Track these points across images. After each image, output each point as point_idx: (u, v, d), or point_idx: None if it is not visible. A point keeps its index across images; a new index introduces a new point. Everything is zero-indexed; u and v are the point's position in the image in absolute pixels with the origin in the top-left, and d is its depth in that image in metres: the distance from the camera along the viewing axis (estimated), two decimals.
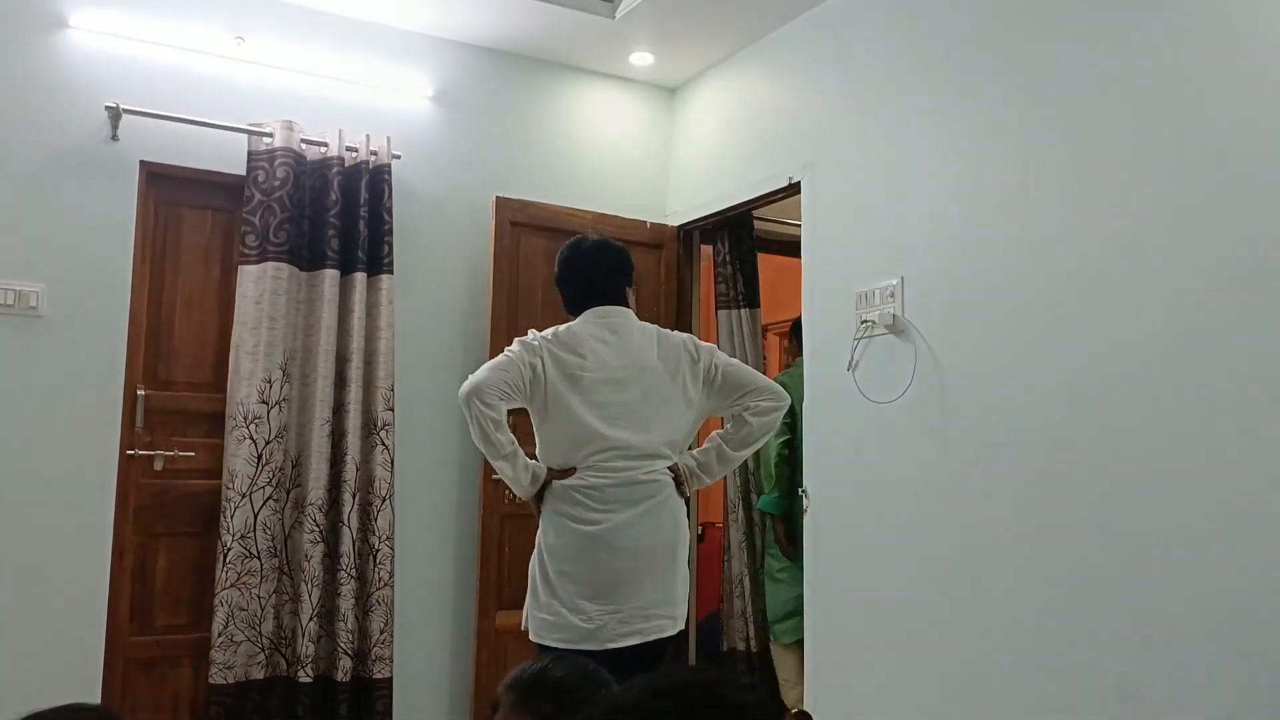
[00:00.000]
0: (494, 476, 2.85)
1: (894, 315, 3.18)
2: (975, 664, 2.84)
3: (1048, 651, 2.66)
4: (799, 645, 3.74)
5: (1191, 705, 2.32)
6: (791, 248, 4.17)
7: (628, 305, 2.72)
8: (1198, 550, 2.34)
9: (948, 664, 2.92)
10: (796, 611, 3.80)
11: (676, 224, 4.40)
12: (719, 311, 4.46)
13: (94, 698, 3.21)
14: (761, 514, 4.24)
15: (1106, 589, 2.53)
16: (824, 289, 3.52)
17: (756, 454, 4.03)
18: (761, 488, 4.21)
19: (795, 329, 4.30)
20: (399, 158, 3.89)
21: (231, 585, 3.48)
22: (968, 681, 2.86)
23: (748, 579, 4.29)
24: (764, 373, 3.50)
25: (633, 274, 2.77)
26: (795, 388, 4.16)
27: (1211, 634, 2.30)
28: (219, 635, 3.45)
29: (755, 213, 4.30)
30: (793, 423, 3.94)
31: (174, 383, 3.64)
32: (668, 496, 2.55)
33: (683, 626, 2.56)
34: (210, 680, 3.44)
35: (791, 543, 4.03)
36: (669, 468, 2.58)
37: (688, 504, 2.67)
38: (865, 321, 3.27)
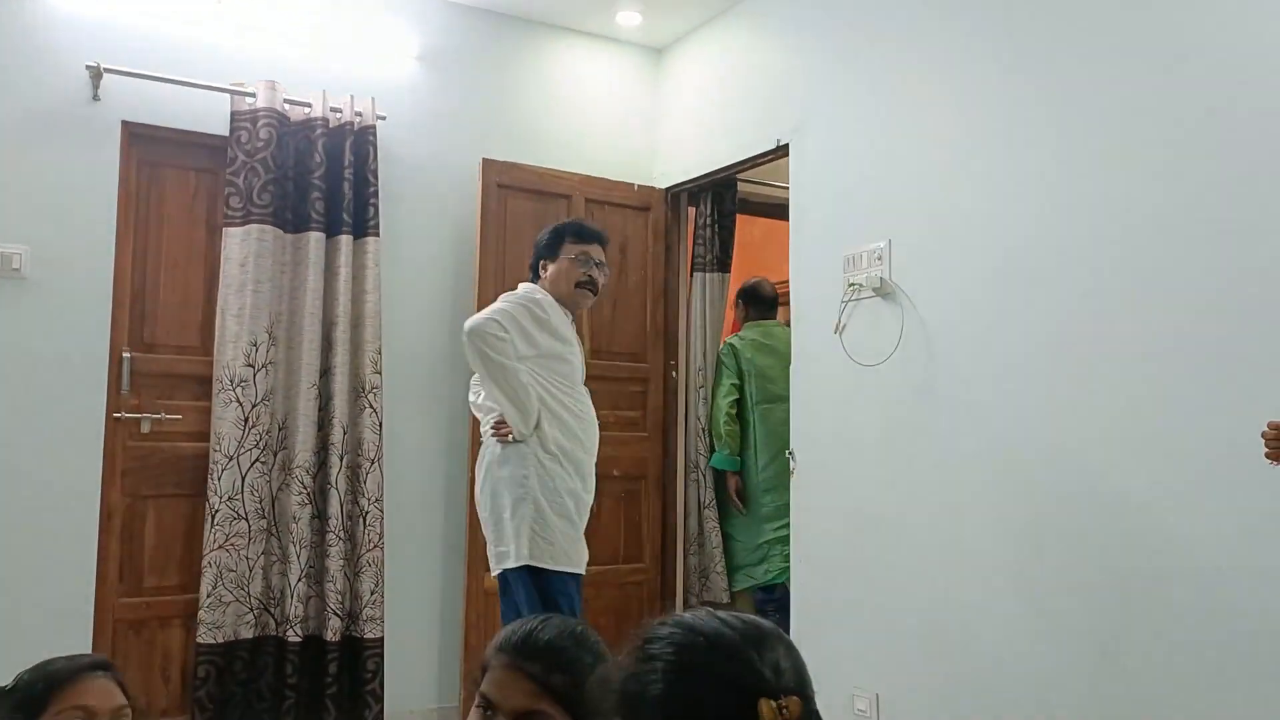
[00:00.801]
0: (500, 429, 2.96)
1: (881, 278, 3.18)
2: (962, 623, 2.88)
3: (1033, 609, 2.70)
4: (749, 592, 4.27)
5: (1168, 661, 2.36)
6: (779, 210, 4.16)
7: (531, 277, 3.08)
8: (1183, 508, 2.37)
9: (934, 624, 2.96)
10: (750, 562, 4.23)
11: (664, 186, 4.38)
12: (694, 274, 4.46)
13: None
14: (715, 471, 4.30)
15: (1092, 546, 2.56)
16: (811, 252, 3.52)
17: (711, 416, 4.31)
18: (713, 447, 4.33)
19: (743, 294, 4.53)
20: (384, 119, 3.86)
21: (219, 547, 3.49)
22: (955, 640, 2.90)
23: (714, 535, 4.31)
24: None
25: (537, 250, 3.10)
26: (744, 351, 4.24)
27: (1191, 588, 2.34)
28: (207, 596, 3.47)
29: (743, 175, 4.29)
30: (741, 385, 4.24)
31: (159, 345, 3.62)
32: (484, 449, 2.96)
33: (510, 564, 2.82)
34: (199, 640, 3.46)
35: (741, 497, 4.28)
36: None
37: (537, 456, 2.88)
38: (853, 284, 3.28)
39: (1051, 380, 2.68)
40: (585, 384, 3.11)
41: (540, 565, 2.82)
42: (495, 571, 2.92)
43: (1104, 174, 2.59)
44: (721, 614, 1.02)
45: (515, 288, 3.14)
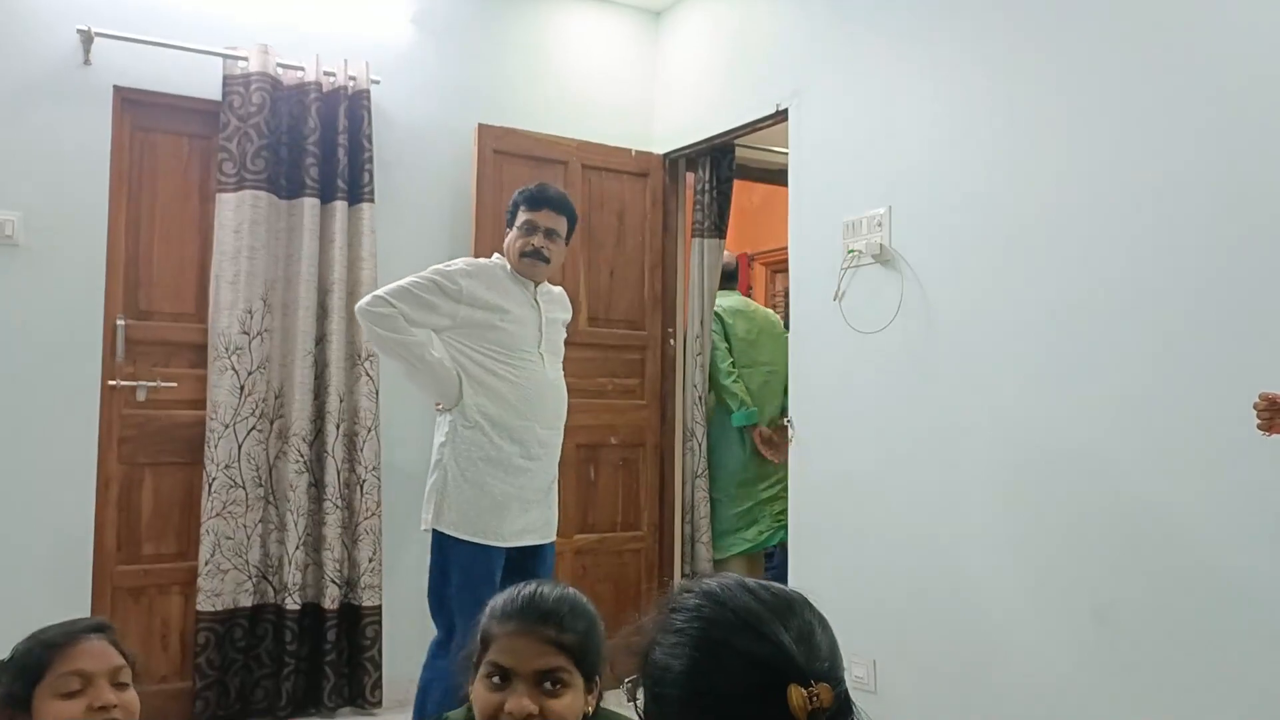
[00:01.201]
0: None
1: (881, 245, 3.16)
2: (959, 588, 2.89)
3: (1030, 573, 2.70)
4: (739, 558, 4.31)
5: (1163, 624, 2.37)
6: (779, 176, 4.13)
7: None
8: (1179, 473, 2.37)
9: (932, 589, 2.97)
10: (737, 528, 4.31)
11: (662, 152, 4.34)
12: (693, 239, 4.43)
13: None
14: (710, 439, 4.32)
15: (1088, 511, 2.56)
16: (811, 218, 3.49)
17: (715, 386, 4.34)
18: (709, 415, 4.35)
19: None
20: (378, 83, 3.81)
21: (217, 515, 3.50)
22: (952, 606, 2.91)
23: (704, 504, 4.31)
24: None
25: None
26: (726, 316, 4.41)
27: (1186, 552, 2.34)
28: (206, 563, 3.47)
29: (742, 141, 4.24)
30: (729, 347, 4.38)
31: (154, 313, 3.60)
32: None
33: (429, 527, 2.87)
34: (198, 607, 3.47)
35: (770, 445, 4.29)
36: None
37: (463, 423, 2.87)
38: (852, 251, 3.25)
39: (1051, 348, 2.67)
40: (573, 356, 3.07)
41: (447, 531, 2.82)
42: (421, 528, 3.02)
43: (1109, 141, 2.56)
44: (750, 583, 1.00)
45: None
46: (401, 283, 2.88)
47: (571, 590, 1.49)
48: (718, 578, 1.02)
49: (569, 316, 3.20)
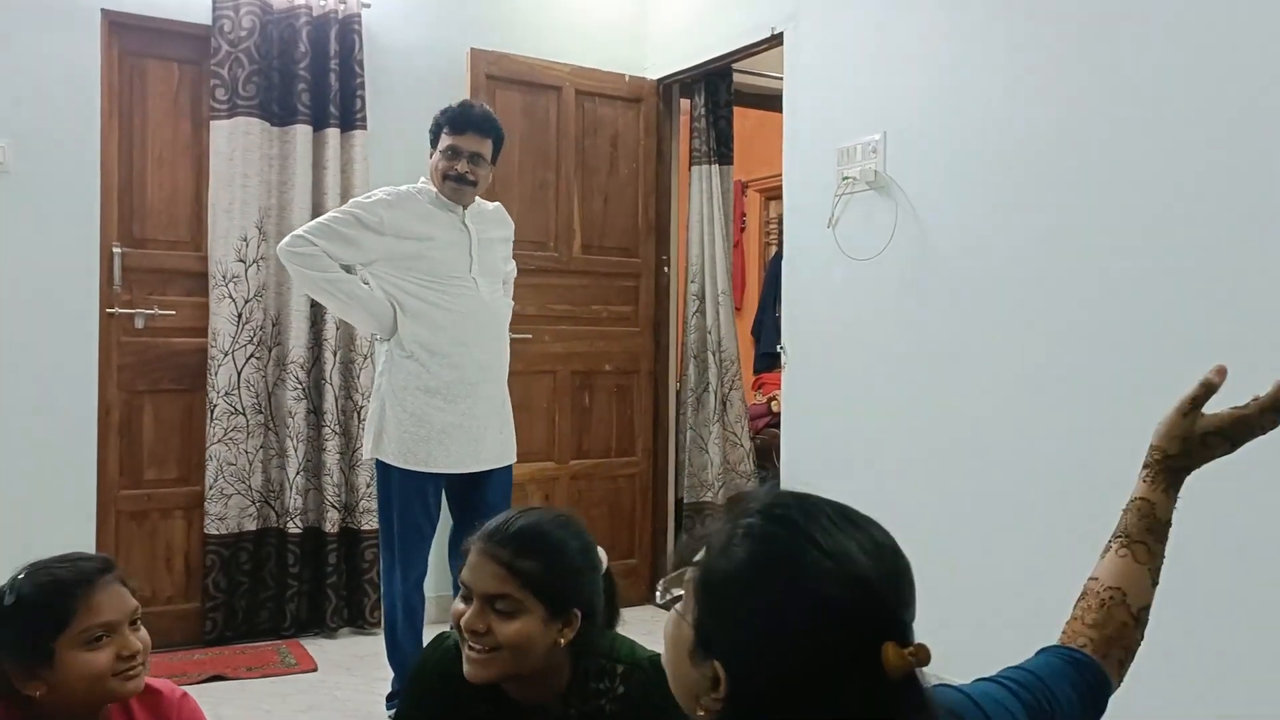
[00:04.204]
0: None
1: (876, 171, 3.17)
2: (953, 517, 2.96)
3: (1027, 501, 2.77)
4: None
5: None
6: (772, 102, 4.11)
7: None
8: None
9: (926, 520, 3.04)
10: None
11: (655, 78, 4.31)
12: (691, 168, 4.42)
13: (89, 549, 3.29)
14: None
15: (1083, 438, 2.62)
16: (805, 144, 3.49)
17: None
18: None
19: None
20: (368, 7, 3.76)
21: (219, 441, 3.54)
22: (946, 536, 2.98)
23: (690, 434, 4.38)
24: (734, 233, 3.55)
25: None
26: None
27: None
28: (210, 488, 3.53)
29: (736, 65, 4.21)
30: None
31: (149, 241, 3.60)
32: None
33: (370, 457, 2.89)
34: (205, 531, 3.54)
35: None
36: None
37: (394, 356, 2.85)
38: (846, 178, 3.26)
39: (1046, 274, 2.70)
40: (567, 284, 3.03)
41: (386, 460, 2.82)
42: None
43: (1105, 67, 2.56)
44: (854, 517, 0.88)
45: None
46: (321, 219, 2.84)
47: (553, 519, 1.48)
48: (794, 495, 0.89)
49: (509, 232, 3.10)
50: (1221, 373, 1.14)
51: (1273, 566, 2.24)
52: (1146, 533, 1.16)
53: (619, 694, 1.41)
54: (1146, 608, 1.12)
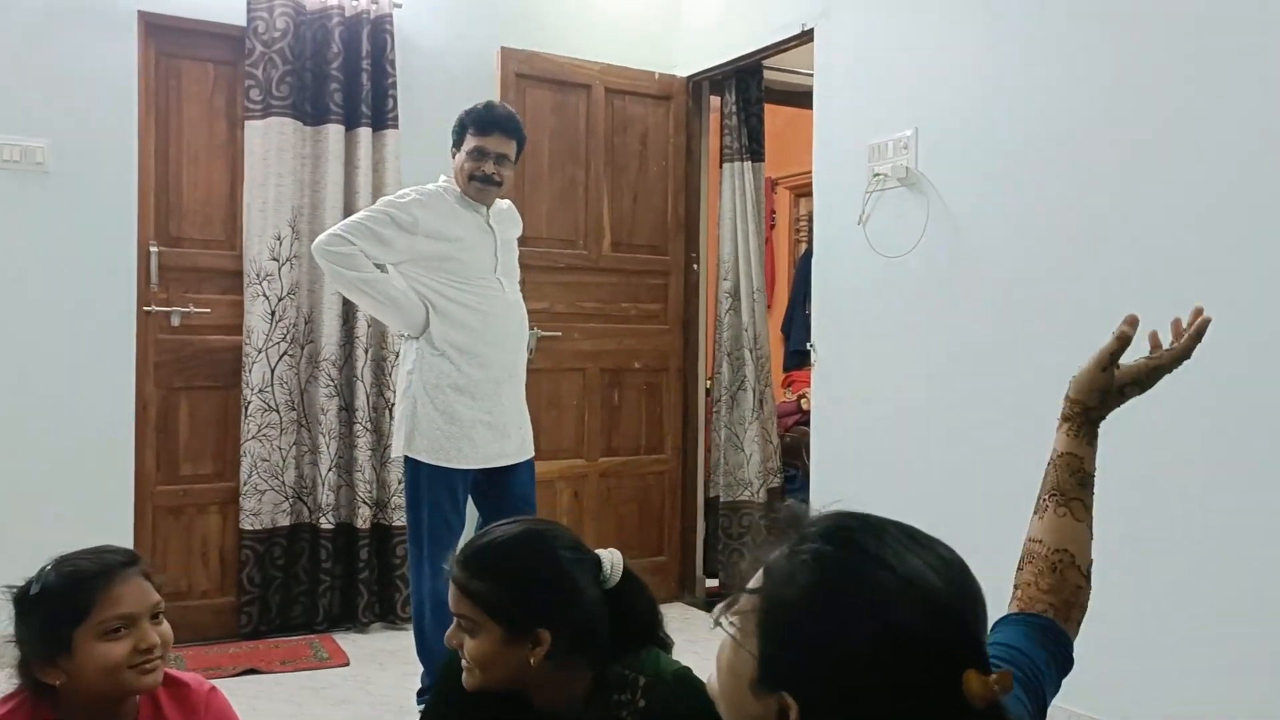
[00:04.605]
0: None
1: (907, 168, 3.15)
2: (985, 517, 2.94)
3: None
4: None
5: (1187, 548, 2.41)
6: (803, 99, 4.09)
7: None
8: (1217, 398, 2.39)
9: (957, 519, 3.02)
10: None
11: (685, 75, 4.30)
12: (723, 165, 4.41)
13: (126, 543, 3.34)
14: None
15: (1121, 436, 2.58)
16: (835, 141, 3.47)
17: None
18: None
19: None
20: (400, 6, 3.79)
21: (253, 437, 3.59)
22: (977, 535, 2.95)
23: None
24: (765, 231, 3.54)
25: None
26: None
27: (1211, 477, 2.37)
28: (245, 484, 3.58)
29: (766, 62, 4.20)
30: None
31: (185, 239, 3.65)
32: None
33: (400, 454, 2.91)
34: (241, 526, 3.59)
35: None
36: None
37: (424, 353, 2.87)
38: (877, 174, 3.24)
39: (1079, 271, 2.67)
40: (596, 282, 3.06)
41: (417, 457, 2.85)
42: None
43: (1142, 62, 2.53)
44: (919, 536, 0.86)
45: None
46: (355, 218, 2.86)
47: (522, 537, 1.45)
48: (856, 516, 0.86)
49: (520, 230, 3.13)
50: (1133, 323, 1.22)
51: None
52: (1079, 487, 1.18)
53: (640, 707, 1.38)
54: (1091, 564, 1.15)
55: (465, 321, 2.86)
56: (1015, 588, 1.12)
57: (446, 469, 2.84)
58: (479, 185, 2.87)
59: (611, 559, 1.45)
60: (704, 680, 1.17)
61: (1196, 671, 2.37)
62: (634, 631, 1.44)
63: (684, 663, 1.44)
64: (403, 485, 3.70)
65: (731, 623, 0.85)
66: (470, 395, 2.86)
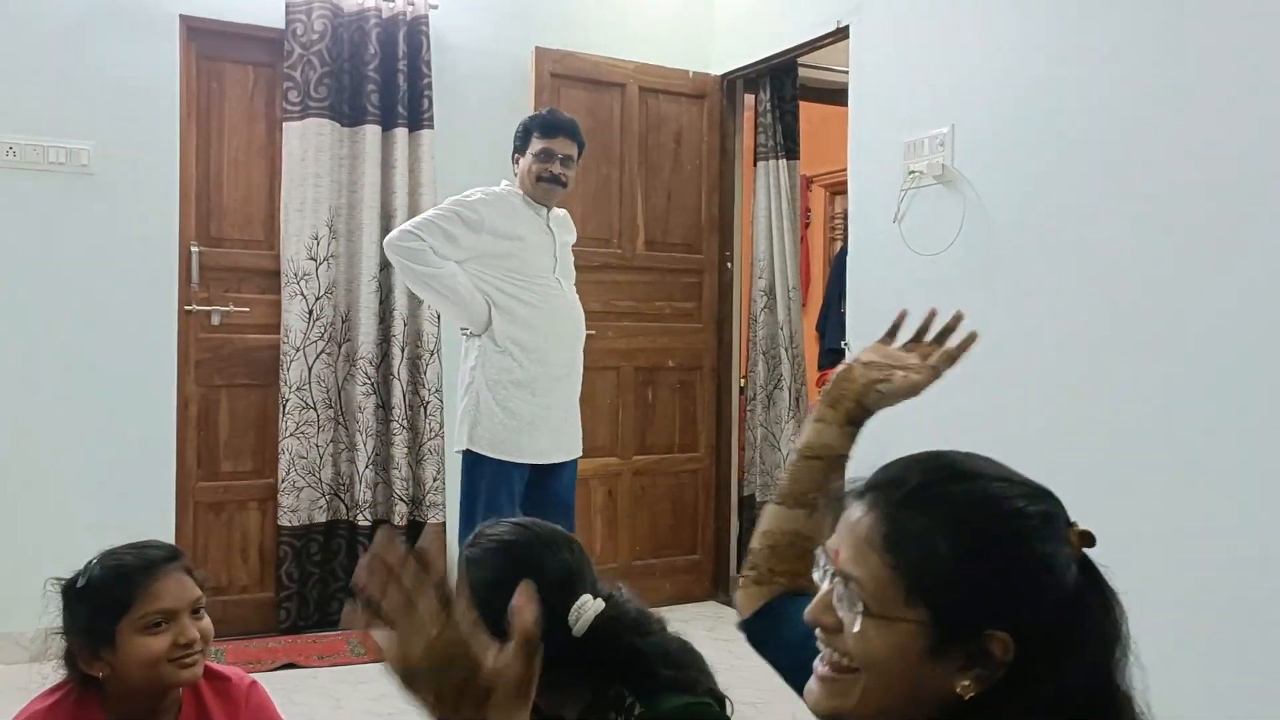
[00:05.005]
0: None
1: (943, 165, 3.12)
2: None
3: (1096, 500, 2.71)
4: None
5: (1222, 548, 2.37)
6: (837, 96, 4.07)
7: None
8: (1255, 394, 2.35)
9: None
10: None
11: (719, 73, 4.30)
12: (757, 163, 4.40)
13: (168, 539, 3.39)
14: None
15: (1159, 436, 2.56)
16: (871, 139, 3.45)
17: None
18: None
19: None
20: (436, 8, 3.82)
21: (291, 435, 3.64)
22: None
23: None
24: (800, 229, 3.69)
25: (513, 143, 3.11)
26: None
27: (1258, 479, 2.33)
28: (283, 481, 3.63)
29: (800, 60, 4.18)
30: None
31: (225, 240, 3.71)
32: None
33: (463, 448, 2.98)
34: (279, 522, 3.64)
35: None
36: None
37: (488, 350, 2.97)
38: (913, 172, 3.22)
39: (1119, 270, 2.63)
40: (630, 280, 3.11)
41: (478, 450, 2.94)
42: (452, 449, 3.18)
43: (1183, 57, 2.49)
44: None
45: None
46: (425, 215, 2.97)
47: (505, 540, 1.40)
48: (929, 458, 1.00)
49: (574, 238, 3.25)
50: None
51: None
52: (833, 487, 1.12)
53: None
54: None
55: (526, 319, 2.97)
56: (778, 574, 1.16)
57: (506, 463, 2.94)
58: (546, 186, 3.02)
59: (581, 610, 1.33)
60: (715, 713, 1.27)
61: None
62: (619, 672, 1.34)
63: (719, 665, 1.42)
64: (439, 482, 3.76)
65: (859, 611, 0.85)
66: (530, 391, 2.96)
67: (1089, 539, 0.89)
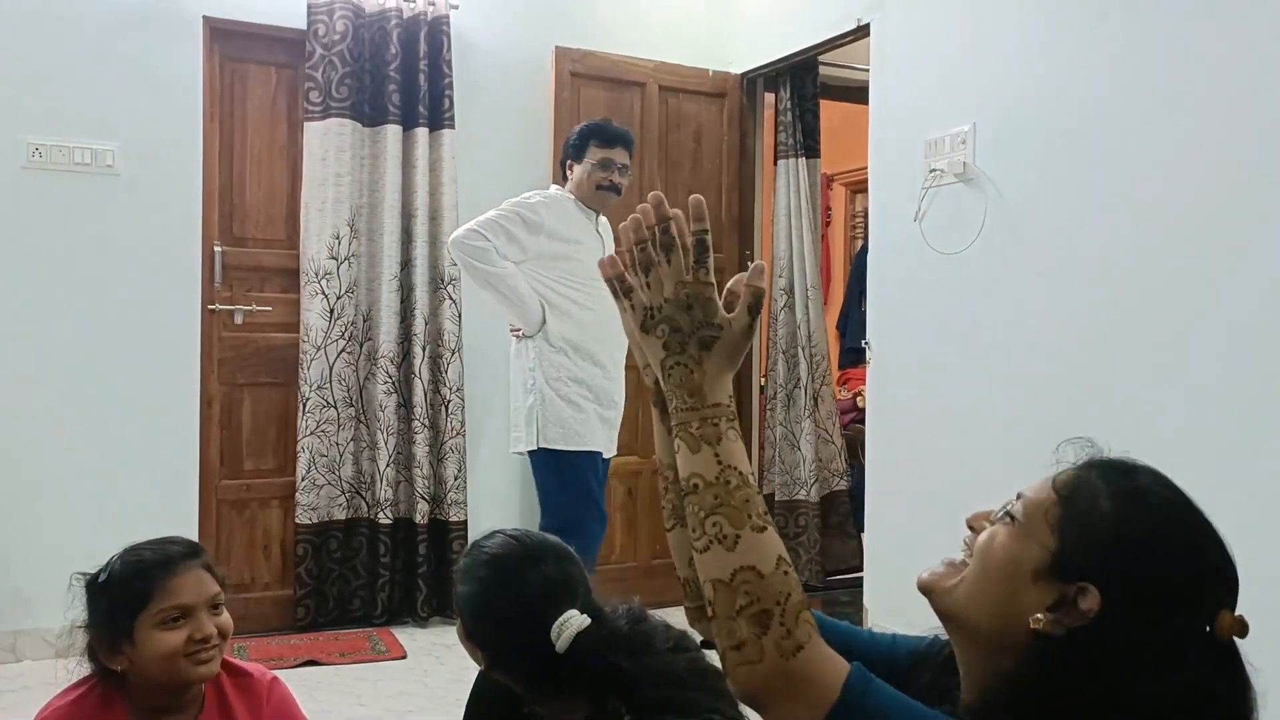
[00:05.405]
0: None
1: (964, 163, 3.11)
2: None
3: None
4: None
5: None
6: (857, 94, 4.06)
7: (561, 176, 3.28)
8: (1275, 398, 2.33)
9: None
10: None
11: (739, 71, 4.29)
12: (777, 161, 4.39)
13: (191, 536, 3.42)
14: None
15: (1183, 436, 2.53)
16: (891, 137, 3.44)
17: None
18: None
19: None
20: (456, 8, 3.83)
21: (311, 433, 3.65)
22: None
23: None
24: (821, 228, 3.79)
25: (565, 149, 3.25)
26: None
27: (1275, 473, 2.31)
28: (303, 479, 3.65)
29: (821, 58, 4.17)
30: None
31: (248, 239, 3.73)
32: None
33: (523, 449, 3.11)
34: (297, 520, 3.66)
35: None
36: None
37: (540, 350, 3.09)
38: (934, 170, 3.20)
39: (1141, 270, 2.61)
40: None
41: (552, 447, 3.06)
42: (511, 450, 3.27)
43: (1207, 55, 2.47)
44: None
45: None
46: (489, 216, 3.05)
47: (493, 554, 1.43)
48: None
49: (614, 246, 3.33)
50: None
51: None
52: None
53: None
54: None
55: (579, 319, 3.09)
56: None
57: (582, 452, 3.07)
58: (605, 193, 3.17)
59: (563, 626, 1.31)
60: None
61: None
62: (606, 692, 1.32)
63: (719, 678, 1.40)
64: (460, 480, 3.77)
65: (1005, 521, 0.95)
66: (587, 388, 3.10)
67: (1240, 627, 0.87)
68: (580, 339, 3.10)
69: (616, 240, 3.30)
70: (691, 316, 0.94)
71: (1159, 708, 0.85)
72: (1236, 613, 0.88)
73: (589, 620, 1.33)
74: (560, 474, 3.07)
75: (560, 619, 1.32)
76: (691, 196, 0.96)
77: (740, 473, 0.91)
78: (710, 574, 0.89)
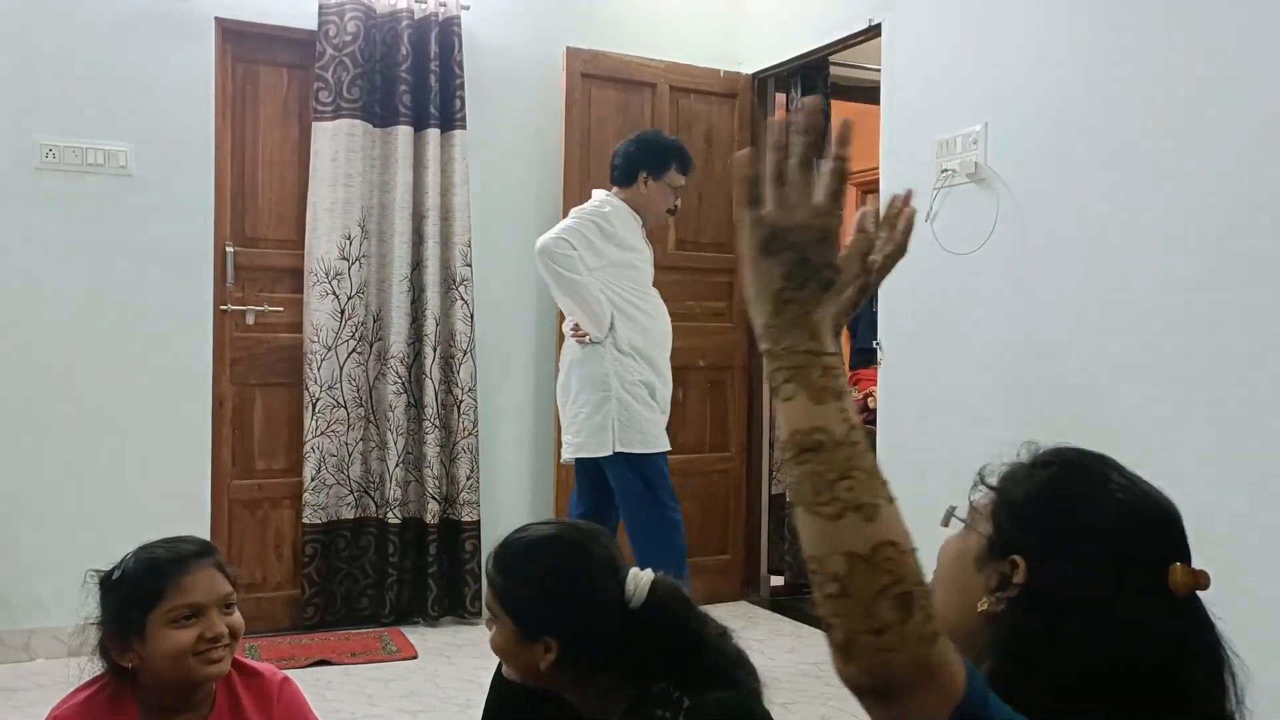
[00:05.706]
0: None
1: (976, 163, 3.10)
2: None
3: None
4: None
5: (1249, 540, 2.33)
6: (868, 94, 4.05)
7: (616, 177, 3.30)
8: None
9: None
10: None
11: (750, 72, 4.29)
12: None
13: (204, 536, 3.44)
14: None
15: (1198, 436, 2.52)
16: (903, 137, 3.43)
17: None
18: None
19: None
20: (468, 9, 3.84)
21: (321, 433, 3.66)
22: None
23: None
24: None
25: (639, 157, 3.26)
26: None
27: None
28: (311, 479, 3.66)
29: (832, 58, 4.16)
30: None
31: (260, 240, 3.75)
32: (566, 345, 3.27)
33: (580, 455, 3.17)
34: (304, 520, 3.67)
35: None
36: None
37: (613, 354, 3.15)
38: (945, 170, 3.19)
39: (1154, 270, 2.60)
40: (661, 280, 3.38)
41: (631, 451, 3.12)
42: (565, 458, 3.30)
43: (1219, 55, 2.45)
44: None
45: (592, 192, 3.35)
46: (570, 225, 3.15)
47: (547, 540, 1.43)
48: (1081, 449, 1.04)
49: None
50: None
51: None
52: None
53: None
54: None
55: (642, 324, 3.21)
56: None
57: (660, 453, 3.18)
58: (670, 216, 3.37)
59: (637, 580, 1.37)
60: (762, 710, 1.28)
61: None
62: (672, 660, 1.34)
63: (755, 667, 1.41)
64: (473, 480, 3.77)
65: (960, 518, 1.03)
66: (650, 391, 3.20)
67: (1195, 579, 0.91)
68: (644, 345, 3.20)
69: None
70: (821, 251, 0.82)
71: (1116, 661, 0.87)
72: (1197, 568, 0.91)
73: (654, 573, 1.39)
74: (645, 475, 3.15)
75: (630, 574, 1.38)
76: (837, 121, 0.88)
77: (865, 436, 0.80)
78: (843, 545, 0.77)
